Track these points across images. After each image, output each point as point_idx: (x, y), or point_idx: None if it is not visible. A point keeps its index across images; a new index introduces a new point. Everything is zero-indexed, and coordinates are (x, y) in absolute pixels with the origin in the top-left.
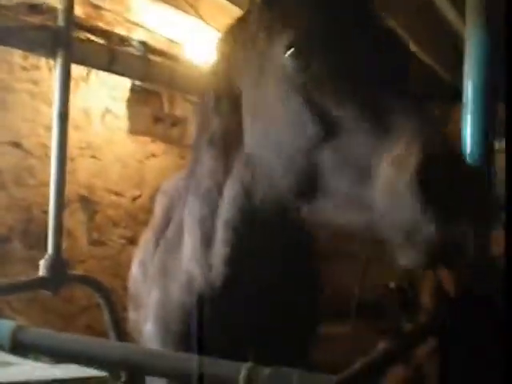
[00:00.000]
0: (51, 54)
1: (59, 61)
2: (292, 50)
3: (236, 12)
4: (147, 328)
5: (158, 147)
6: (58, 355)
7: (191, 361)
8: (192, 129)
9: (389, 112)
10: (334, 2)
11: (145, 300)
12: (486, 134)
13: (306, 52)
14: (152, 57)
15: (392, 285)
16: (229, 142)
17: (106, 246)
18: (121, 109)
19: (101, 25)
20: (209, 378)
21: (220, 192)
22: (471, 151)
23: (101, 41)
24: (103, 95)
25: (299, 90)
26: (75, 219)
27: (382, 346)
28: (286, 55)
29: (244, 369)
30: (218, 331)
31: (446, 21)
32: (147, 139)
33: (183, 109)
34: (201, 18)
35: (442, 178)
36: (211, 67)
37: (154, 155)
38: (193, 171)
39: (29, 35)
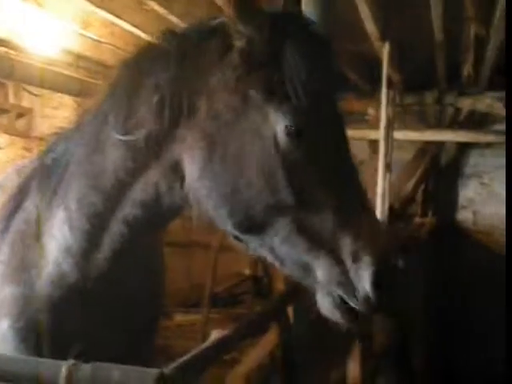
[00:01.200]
0: None
1: None
2: (291, 130)
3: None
4: (2, 329)
5: (2, 139)
6: None
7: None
8: (38, 121)
9: (349, 201)
10: (323, 87)
11: None
12: None
13: (303, 135)
14: None
15: (247, 272)
16: (151, 146)
17: None
18: None
19: None
20: (33, 378)
21: (124, 190)
22: None
23: None
24: None
25: (285, 161)
26: None
27: (214, 335)
28: (284, 133)
29: (64, 367)
30: (84, 326)
31: None
32: None
33: (29, 100)
34: (41, 6)
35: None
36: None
37: None
38: (79, 154)
39: None
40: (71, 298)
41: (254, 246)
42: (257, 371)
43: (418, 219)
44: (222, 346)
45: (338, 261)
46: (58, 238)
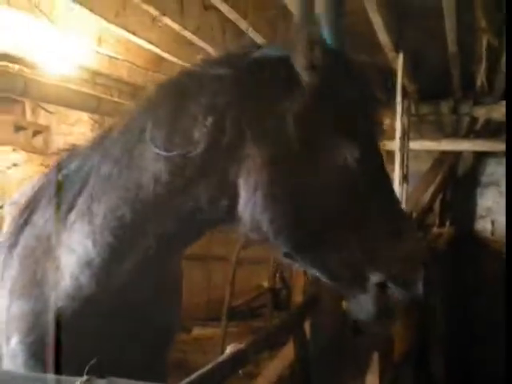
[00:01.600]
0: None
1: None
2: (358, 156)
3: (96, 21)
4: (12, 343)
5: (20, 156)
6: None
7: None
8: (55, 138)
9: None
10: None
11: None
12: None
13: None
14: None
15: (265, 285)
16: (199, 164)
17: None
18: None
19: None
20: None
21: (159, 205)
22: None
23: None
24: None
25: (352, 184)
26: None
27: (229, 349)
28: (354, 160)
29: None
30: (101, 341)
31: None
32: (8, 148)
33: (46, 117)
34: (53, 23)
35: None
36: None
37: (15, 164)
38: (106, 170)
39: None
40: (86, 311)
41: (306, 261)
42: None
43: (435, 229)
44: (237, 359)
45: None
46: (78, 251)
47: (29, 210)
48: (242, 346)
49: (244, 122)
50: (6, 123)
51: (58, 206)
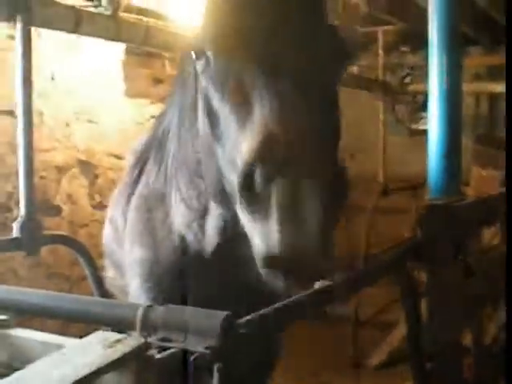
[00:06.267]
0: (10, 19)
1: (19, 26)
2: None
3: None
4: (134, 285)
5: (157, 109)
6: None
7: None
8: None
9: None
10: None
11: (120, 258)
12: None
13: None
14: (125, 15)
15: (406, 235)
16: None
17: None
18: (117, 72)
19: None
20: (113, 319)
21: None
22: None
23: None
24: (98, 59)
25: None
26: (76, 184)
27: (317, 285)
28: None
29: (141, 308)
30: (205, 290)
31: None
32: (146, 101)
33: None
34: None
35: None
36: None
37: (153, 117)
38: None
39: None
40: (193, 264)
41: None
42: None
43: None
44: (324, 294)
45: None
46: (179, 214)
47: (142, 161)
48: (329, 282)
49: None
50: (144, 76)
51: (159, 164)
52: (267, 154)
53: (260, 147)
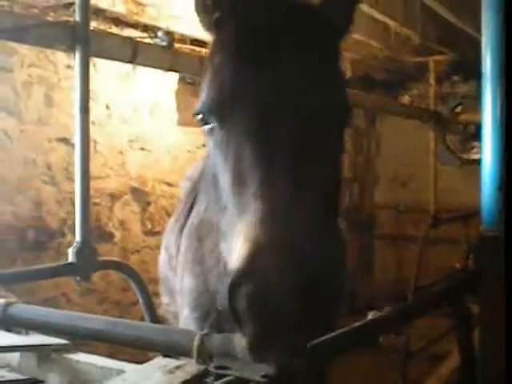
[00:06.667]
0: (70, 49)
1: (78, 56)
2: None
3: None
4: (184, 314)
5: None
6: (46, 329)
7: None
8: None
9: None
10: None
11: (174, 285)
12: None
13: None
14: (179, 46)
15: (457, 266)
16: None
17: (160, 235)
18: (170, 101)
19: (144, 20)
20: (170, 345)
21: None
22: None
23: (125, 33)
24: (151, 88)
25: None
26: (128, 210)
27: (371, 315)
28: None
29: (197, 336)
30: None
31: None
32: (197, 130)
33: None
34: None
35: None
36: None
37: (204, 145)
38: None
39: (46, 32)
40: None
41: None
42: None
43: None
44: (378, 325)
45: None
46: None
47: (196, 189)
48: (383, 312)
49: None
50: (194, 105)
51: (208, 196)
52: (254, 278)
53: (247, 267)
